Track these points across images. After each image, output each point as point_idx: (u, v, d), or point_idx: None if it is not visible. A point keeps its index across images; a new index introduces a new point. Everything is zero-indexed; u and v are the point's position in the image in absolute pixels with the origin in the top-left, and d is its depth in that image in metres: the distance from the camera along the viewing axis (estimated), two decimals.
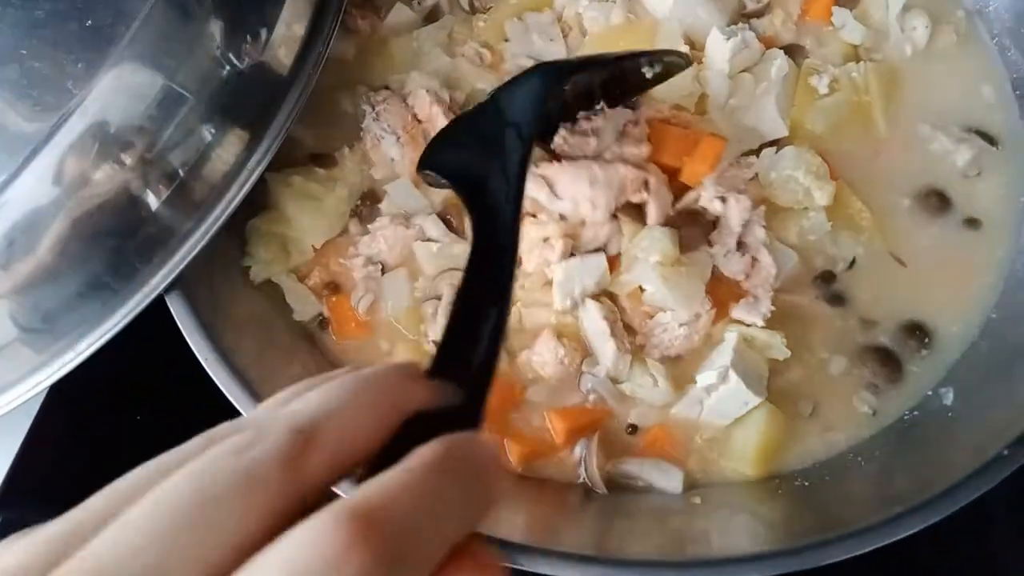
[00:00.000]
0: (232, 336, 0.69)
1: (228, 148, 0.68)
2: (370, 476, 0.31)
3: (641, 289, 0.73)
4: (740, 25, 0.86)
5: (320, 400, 0.34)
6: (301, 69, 0.72)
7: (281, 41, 0.71)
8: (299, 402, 0.34)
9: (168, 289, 0.67)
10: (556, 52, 0.87)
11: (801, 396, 0.75)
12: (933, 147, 0.85)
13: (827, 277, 0.79)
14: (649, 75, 0.76)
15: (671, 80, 0.80)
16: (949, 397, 0.74)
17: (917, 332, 0.78)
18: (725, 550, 0.64)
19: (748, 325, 0.73)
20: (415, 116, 0.82)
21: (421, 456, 0.31)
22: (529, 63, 0.85)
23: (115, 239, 0.65)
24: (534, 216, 0.75)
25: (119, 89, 0.61)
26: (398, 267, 0.79)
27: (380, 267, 0.80)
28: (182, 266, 0.66)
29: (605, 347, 0.73)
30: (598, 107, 0.74)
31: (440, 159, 0.66)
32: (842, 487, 0.70)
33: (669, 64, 0.77)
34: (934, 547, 0.73)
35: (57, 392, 0.69)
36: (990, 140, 0.86)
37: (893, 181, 0.83)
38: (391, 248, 0.79)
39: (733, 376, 0.70)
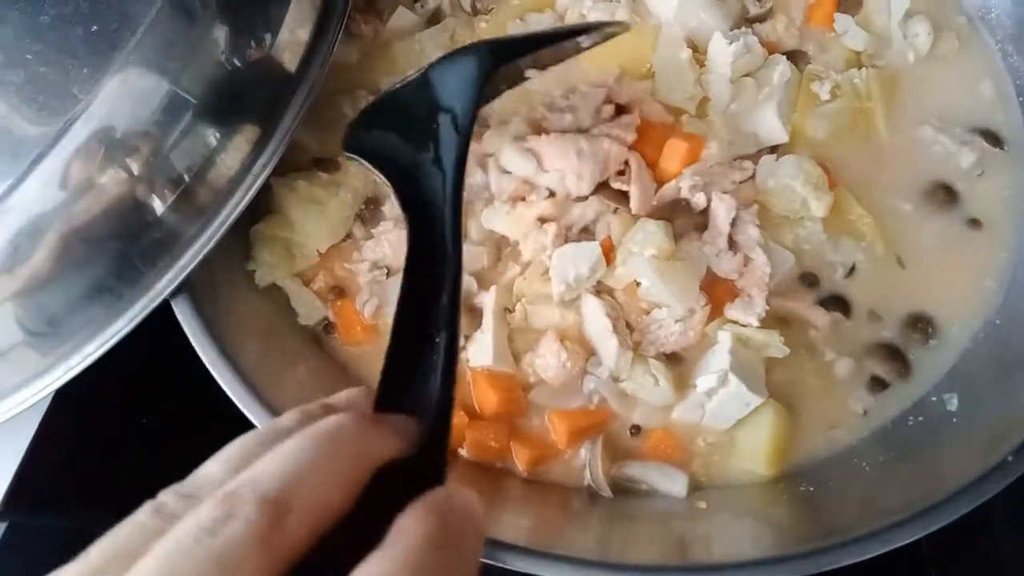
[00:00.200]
0: (237, 340, 0.70)
1: (233, 153, 0.68)
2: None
3: (637, 284, 0.74)
4: (743, 30, 0.86)
5: (284, 464, 0.32)
6: (305, 74, 0.72)
7: (286, 45, 0.71)
8: (261, 466, 0.32)
9: (174, 294, 0.67)
10: None
11: (801, 394, 0.75)
12: (936, 149, 0.85)
13: (824, 283, 0.79)
14: (586, 45, 0.72)
15: (673, 83, 0.80)
16: (953, 403, 0.74)
17: (920, 324, 0.78)
18: (729, 555, 0.64)
19: (744, 325, 0.74)
20: None
21: (413, 534, 0.31)
22: None
23: (120, 243, 0.65)
24: (523, 200, 0.75)
25: (124, 94, 0.61)
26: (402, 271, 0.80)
27: (385, 271, 0.80)
28: (187, 271, 0.66)
29: (608, 344, 0.73)
30: (528, 77, 0.71)
31: (366, 142, 0.60)
32: (846, 492, 0.70)
33: (608, 35, 0.73)
34: (937, 551, 0.73)
35: (64, 395, 0.69)
36: (995, 141, 0.86)
37: (895, 185, 0.83)
38: (395, 252, 0.79)
39: (733, 379, 0.70)
